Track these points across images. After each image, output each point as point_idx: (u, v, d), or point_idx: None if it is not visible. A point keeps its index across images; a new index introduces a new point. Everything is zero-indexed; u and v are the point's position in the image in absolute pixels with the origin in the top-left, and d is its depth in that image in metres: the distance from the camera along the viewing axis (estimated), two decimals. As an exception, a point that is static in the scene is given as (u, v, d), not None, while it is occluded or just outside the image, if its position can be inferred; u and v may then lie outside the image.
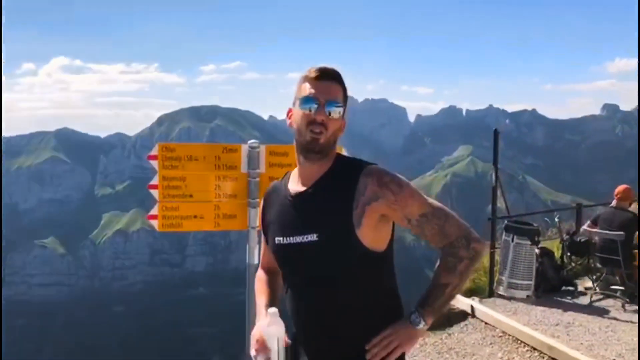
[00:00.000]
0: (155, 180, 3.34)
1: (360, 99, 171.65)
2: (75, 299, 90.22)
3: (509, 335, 5.93)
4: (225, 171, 3.42)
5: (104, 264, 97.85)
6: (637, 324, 6.02)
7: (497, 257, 7.39)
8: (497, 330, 6.12)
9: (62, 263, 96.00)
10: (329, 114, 1.77)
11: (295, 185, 1.87)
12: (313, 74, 1.81)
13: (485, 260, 7.52)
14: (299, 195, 1.83)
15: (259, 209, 2.02)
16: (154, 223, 3.37)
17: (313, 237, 1.76)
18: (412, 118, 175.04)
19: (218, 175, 3.41)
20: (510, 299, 7.02)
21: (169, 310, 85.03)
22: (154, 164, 3.33)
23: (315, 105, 1.77)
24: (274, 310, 1.74)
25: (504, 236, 7.25)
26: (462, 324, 6.49)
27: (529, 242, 7.07)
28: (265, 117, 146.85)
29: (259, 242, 3.43)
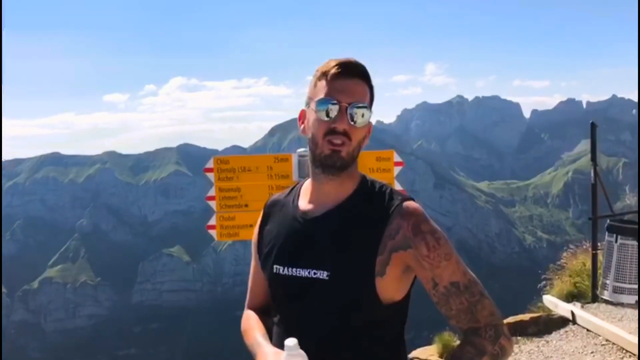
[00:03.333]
0: (212, 192, 3.49)
1: (470, 97, 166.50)
2: (201, 305, 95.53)
3: (614, 343, 5.47)
4: (277, 180, 3.49)
5: (225, 270, 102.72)
6: None
7: (601, 259, 6.87)
8: (600, 338, 5.67)
9: (187, 270, 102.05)
10: (353, 120, 1.41)
11: (307, 204, 1.50)
12: (333, 69, 1.43)
13: (587, 263, 7.02)
14: (313, 218, 1.46)
15: (256, 225, 1.63)
16: (213, 233, 3.51)
17: (323, 274, 1.40)
18: (527, 114, 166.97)
19: (271, 184, 3.49)
20: (616, 304, 6.47)
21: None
22: (210, 176, 3.48)
23: (336, 110, 1.40)
24: (293, 341, 1.38)
25: (606, 236, 6.73)
26: (562, 330, 6.09)
27: (635, 242, 6.50)
28: (373, 121, 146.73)
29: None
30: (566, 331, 6.04)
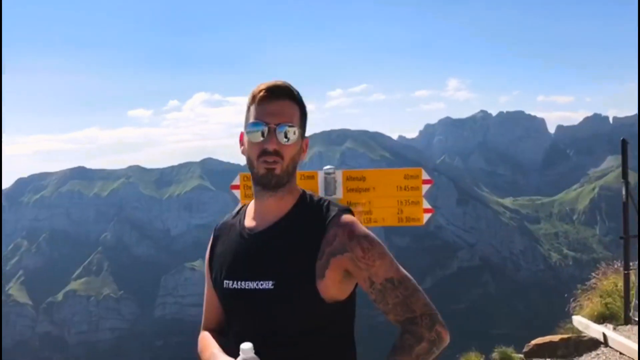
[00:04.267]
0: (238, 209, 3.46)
1: (493, 113, 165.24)
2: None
3: (647, 367, 5.28)
4: (303, 198, 3.45)
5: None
6: None
7: (633, 280, 6.66)
8: (633, 361, 5.49)
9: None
10: (283, 139, 1.54)
11: (251, 221, 1.63)
12: (261, 93, 1.57)
13: (619, 283, 6.82)
14: (257, 233, 1.59)
15: (208, 248, 1.74)
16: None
17: (269, 284, 1.52)
18: (552, 129, 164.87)
19: (296, 202, 3.45)
20: (650, 326, 6.26)
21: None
22: (237, 193, 3.45)
23: (265, 132, 1.54)
24: (248, 345, 1.45)
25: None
26: (593, 353, 5.92)
27: (668, 263, 6.31)
28: (395, 137, 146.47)
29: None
30: (597, 354, 5.87)
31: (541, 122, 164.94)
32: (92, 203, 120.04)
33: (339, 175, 3.44)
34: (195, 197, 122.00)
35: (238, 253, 1.61)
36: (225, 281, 1.60)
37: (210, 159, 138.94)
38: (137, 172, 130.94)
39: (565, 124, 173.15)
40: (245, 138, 1.59)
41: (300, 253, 1.53)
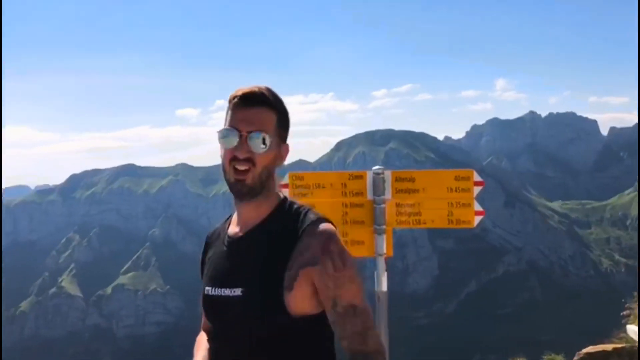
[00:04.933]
0: (286, 208, 3.49)
1: (543, 114, 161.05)
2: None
3: None
4: (351, 198, 3.45)
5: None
6: None
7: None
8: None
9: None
10: (255, 147, 1.52)
11: (234, 227, 1.64)
12: (235, 100, 1.55)
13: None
14: (235, 240, 1.60)
15: (200, 255, 1.77)
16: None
17: (238, 291, 1.51)
18: (604, 131, 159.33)
19: (345, 201, 3.45)
20: None
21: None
22: (285, 192, 3.48)
23: (236, 139, 1.52)
24: None
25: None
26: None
27: None
28: (440, 137, 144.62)
29: (387, 270, 3.38)
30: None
31: (593, 124, 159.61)
32: (141, 200, 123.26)
33: (388, 176, 3.42)
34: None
35: (218, 260, 1.62)
36: (205, 287, 1.62)
37: None
38: (184, 170, 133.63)
39: (619, 125, 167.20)
40: (220, 143, 1.57)
41: (271, 262, 1.50)
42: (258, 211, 1.59)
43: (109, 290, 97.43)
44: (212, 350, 1.64)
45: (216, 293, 1.57)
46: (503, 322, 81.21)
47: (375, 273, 3.48)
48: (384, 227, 3.38)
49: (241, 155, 1.52)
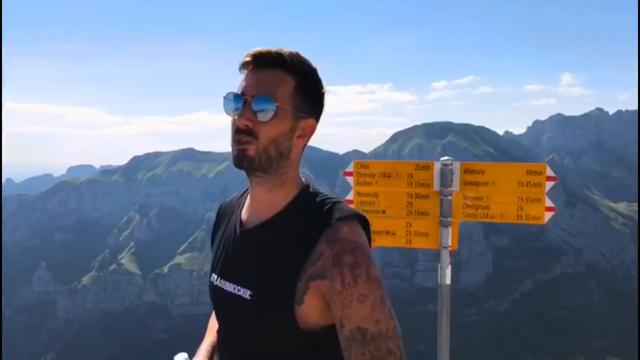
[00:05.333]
0: (350, 196, 3.47)
1: (611, 111, 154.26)
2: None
3: None
4: (417, 188, 3.39)
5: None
6: None
7: None
8: None
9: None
10: (259, 115, 1.26)
11: (246, 212, 1.42)
12: (244, 59, 1.29)
13: None
14: (247, 231, 1.38)
15: (212, 227, 1.57)
16: (348, 237, 3.48)
17: (247, 293, 1.32)
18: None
19: (410, 192, 3.40)
20: None
21: (399, 322, 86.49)
22: (350, 180, 3.46)
23: (239, 105, 1.27)
24: (184, 356, 1.46)
25: None
26: None
27: None
28: (500, 132, 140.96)
29: (452, 263, 3.32)
30: None
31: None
32: (199, 183, 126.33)
33: (456, 167, 3.34)
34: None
35: (227, 247, 1.43)
36: (212, 274, 1.46)
37: (309, 147, 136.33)
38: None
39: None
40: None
41: (284, 267, 1.28)
42: (271, 198, 1.35)
43: (165, 269, 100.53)
44: (219, 340, 1.49)
45: (222, 285, 1.40)
46: (557, 325, 78.87)
47: (438, 266, 3.43)
48: (450, 219, 3.31)
49: (240, 123, 1.26)
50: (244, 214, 1.43)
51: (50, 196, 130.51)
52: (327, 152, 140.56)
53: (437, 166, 3.36)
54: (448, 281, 3.37)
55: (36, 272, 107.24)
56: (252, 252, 1.35)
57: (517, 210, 3.22)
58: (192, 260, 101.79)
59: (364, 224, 1.34)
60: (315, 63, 1.34)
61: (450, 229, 3.34)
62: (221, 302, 1.41)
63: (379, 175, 3.43)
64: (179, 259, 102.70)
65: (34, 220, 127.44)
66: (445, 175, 3.31)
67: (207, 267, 1.50)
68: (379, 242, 3.46)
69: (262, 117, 1.25)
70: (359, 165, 3.49)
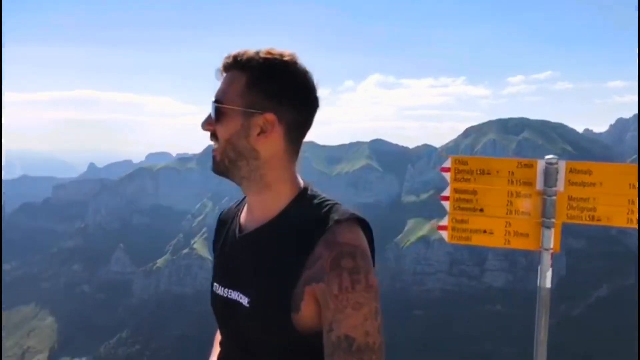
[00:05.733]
0: (447, 192, 3.40)
1: None
2: (380, 298, 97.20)
3: None
4: (518, 187, 3.27)
5: (405, 268, 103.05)
6: None
7: None
8: None
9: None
10: (213, 118, 1.29)
11: (245, 217, 1.42)
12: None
13: None
14: (245, 236, 1.37)
15: (214, 236, 1.55)
16: (444, 234, 3.42)
17: (245, 300, 1.31)
18: None
19: (511, 190, 3.29)
20: None
21: (464, 322, 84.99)
22: (447, 176, 3.39)
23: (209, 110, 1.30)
24: None
25: None
26: None
27: None
28: (580, 130, 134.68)
29: (552, 265, 3.21)
30: None
31: None
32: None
33: (561, 166, 3.21)
34: (362, 176, 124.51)
35: (226, 254, 1.42)
36: (214, 283, 1.44)
37: (379, 140, 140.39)
38: (311, 148, 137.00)
39: None
40: None
41: (280, 272, 1.26)
42: (262, 201, 1.34)
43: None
44: (222, 346, 1.48)
45: (223, 293, 1.38)
46: (634, 333, 75.05)
47: (539, 268, 3.31)
48: (553, 220, 3.18)
49: (204, 127, 1.31)
50: (242, 220, 1.41)
51: (129, 181, 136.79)
52: (396, 145, 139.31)
53: (540, 164, 3.23)
54: (548, 284, 3.25)
55: (114, 253, 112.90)
56: (249, 257, 1.33)
57: (628, 213, 3.05)
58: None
59: (364, 226, 1.31)
60: (290, 56, 1.30)
61: (552, 230, 3.21)
62: (221, 309, 1.40)
63: (478, 172, 3.33)
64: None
65: (114, 204, 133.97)
66: (550, 175, 3.18)
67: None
68: (475, 240, 3.38)
69: (215, 119, 1.28)
70: (457, 161, 3.40)
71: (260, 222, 1.34)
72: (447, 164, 3.43)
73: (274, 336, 1.29)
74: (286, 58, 1.28)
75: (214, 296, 1.42)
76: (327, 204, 1.30)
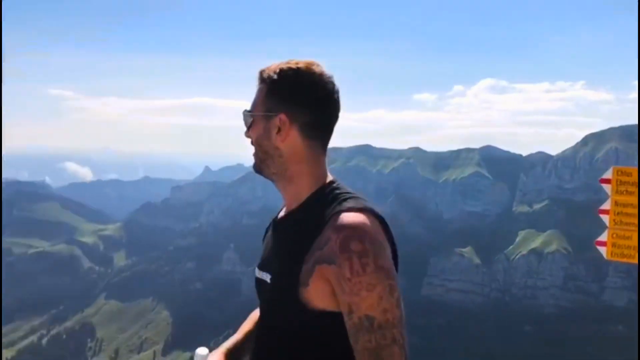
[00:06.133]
0: (606, 205, 3.18)
1: None
2: (487, 310, 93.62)
3: None
4: (691, 201, 3.00)
5: (516, 281, 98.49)
6: None
7: None
8: None
9: (477, 273, 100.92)
10: (246, 126, 1.51)
11: (283, 210, 1.60)
12: None
13: None
14: (275, 225, 1.57)
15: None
16: (602, 250, 3.20)
17: (268, 277, 1.47)
18: None
19: (682, 205, 3.02)
20: None
21: (580, 342, 79.60)
22: (607, 188, 3.17)
23: None
24: (205, 351, 1.56)
25: None
26: None
27: None
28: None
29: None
30: None
31: None
32: (374, 179, 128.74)
33: None
34: (471, 183, 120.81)
35: (265, 242, 1.60)
36: (256, 267, 1.58)
37: (490, 146, 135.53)
38: (416, 153, 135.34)
39: None
40: None
41: (293, 251, 1.40)
42: (289, 193, 1.50)
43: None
44: (256, 329, 1.62)
45: (258, 275, 1.53)
46: None
47: None
48: None
49: (245, 135, 1.52)
50: (281, 212, 1.58)
51: (240, 184, 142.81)
52: (507, 152, 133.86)
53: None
54: None
55: (225, 253, 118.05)
56: (275, 242, 1.51)
57: None
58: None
59: (380, 221, 1.40)
60: (305, 63, 1.46)
61: None
62: (257, 288, 1.54)
63: (644, 185, 3.09)
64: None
65: (227, 205, 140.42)
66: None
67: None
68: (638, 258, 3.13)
69: (247, 127, 1.50)
70: (619, 172, 3.17)
71: (287, 211, 1.52)
72: (608, 174, 3.20)
73: (286, 311, 1.40)
74: (299, 65, 1.45)
75: (255, 278, 1.56)
76: (347, 195, 1.41)
